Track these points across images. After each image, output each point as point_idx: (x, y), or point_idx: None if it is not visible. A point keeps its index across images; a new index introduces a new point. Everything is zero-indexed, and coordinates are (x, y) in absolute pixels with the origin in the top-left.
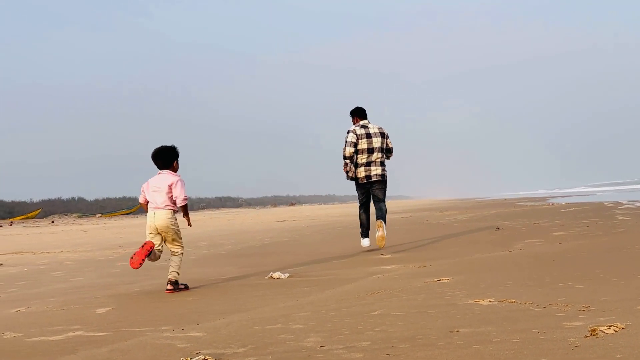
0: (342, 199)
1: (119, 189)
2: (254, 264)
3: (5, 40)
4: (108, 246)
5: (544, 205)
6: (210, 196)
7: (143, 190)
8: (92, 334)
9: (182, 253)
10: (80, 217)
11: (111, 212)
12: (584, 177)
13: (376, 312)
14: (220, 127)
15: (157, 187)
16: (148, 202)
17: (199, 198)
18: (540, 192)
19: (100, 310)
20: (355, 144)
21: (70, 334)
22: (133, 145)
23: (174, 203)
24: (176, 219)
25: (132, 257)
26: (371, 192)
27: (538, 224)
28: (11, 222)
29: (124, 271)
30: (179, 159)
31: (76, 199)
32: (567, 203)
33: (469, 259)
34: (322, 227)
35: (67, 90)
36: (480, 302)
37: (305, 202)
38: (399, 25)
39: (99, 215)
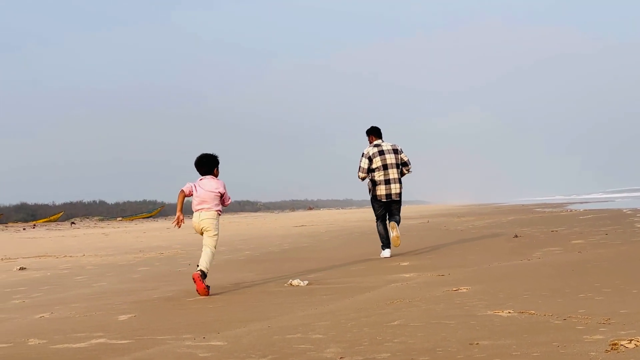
0: (360, 204)
1: (139, 192)
2: (273, 270)
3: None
4: (129, 250)
5: (562, 211)
6: None
7: (194, 186)
8: (114, 341)
9: (214, 247)
10: (101, 220)
11: (131, 215)
12: (601, 183)
13: (395, 323)
14: (239, 130)
15: (210, 190)
16: (192, 195)
17: None
18: (557, 198)
19: (123, 317)
20: (370, 164)
21: (94, 341)
22: (154, 148)
23: (219, 205)
24: (218, 219)
25: (197, 288)
26: (390, 208)
27: (556, 231)
28: (34, 225)
29: (145, 276)
30: (219, 165)
31: (97, 202)
32: (585, 210)
33: (488, 267)
34: (340, 233)
35: (88, 92)
36: (499, 313)
37: (323, 207)
38: (421, 30)
39: (120, 218)
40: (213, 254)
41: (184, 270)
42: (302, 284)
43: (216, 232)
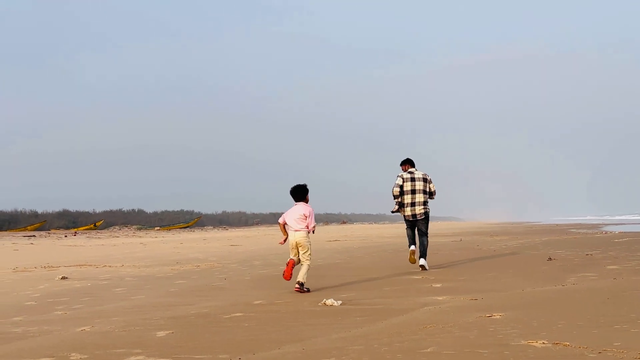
0: (392, 219)
1: (177, 202)
2: (307, 287)
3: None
4: (166, 262)
5: (596, 233)
6: (264, 212)
7: (284, 216)
8: (153, 359)
9: (309, 264)
10: (139, 229)
11: (169, 225)
12: (634, 204)
13: (428, 350)
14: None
15: (298, 215)
16: (285, 224)
17: (253, 214)
18: (589, 219)
19: (161, 334)
20: (402, 186)
21: (133, 358)
22: (197, 155)
23: (306, 222)
24: (309, 237)
25: (284, 272)
26: (416, 225)
27: (591, 255)
28: (75, 232)
29: (182, 290)
30: (309, 194)
31: (136, 210)
32: (620, 232)
33: (521, 292)
34: (373, 249)
35: (131, 99)
36: (533, 344)
37: (356, 221)
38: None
39: (158, 228)
40: (309, 268)
41: (220, 285)
42: (335, 303)
43: (307, 249)
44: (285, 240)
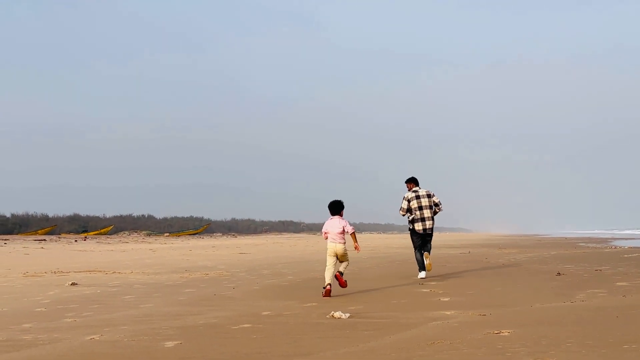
0: (401, 229)
1: (186, 208)
2: (316, 298)
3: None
4: (175, 269)
5: (606, 248)
6: (273, 219)
7: (325, 229)
8: None
9: (347, 262)
10: (148, 235)
11: (178, 231)
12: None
13: None
14: (286, 152)
15: (337, 229)
16: (327, 234)
17: (262, 221)
18: (597, 232)
19: (169, 344)
20: (408, 205)
21: None
22: (205, 163)
23: (344, 237)
24: (345, 246)
25: (323, 293)
26: (425, 237)
27: (600, 270)
28: (85, 237)
29: (190, 299)
30: (344, 209)
31: (146, 216)
32: (630, 247)
33: (530, 308)
34: (381, 260)
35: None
36: None
37: (364, 230)
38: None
39: (167, 234)
40: (347, 264)
41: (228, 295)
42: (343, 316)
43: (346, 256)
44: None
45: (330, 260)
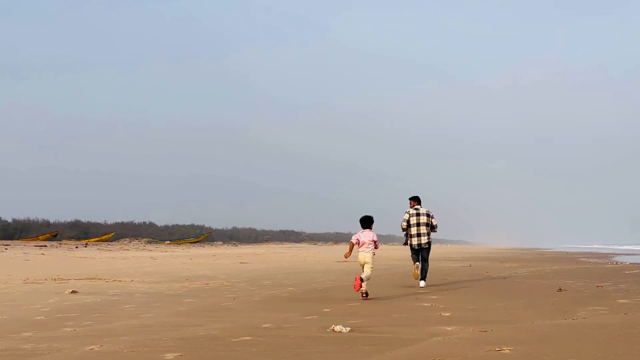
0: (402, 240)
1: (187, 216)
2: (316, 311)
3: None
4: (176, 278)
5: (607, 263)
6: (274, 229)
7: (357, 239)
8: None
9: (372, 267)
10: (149, 242)
11: (179, 239)
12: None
13: None
14: (288, 158)
15: (368, 240)
16: (355, 244)
17: (263, 230)
18: (596, 247)
19: (169, 356)
20: (408, 221)
21: None
22: (208, 169)
23: (373, 247)
24: (373, 256)
25: (354, 285)
26: (420, 253)
27: (602, 287)
28: (86, 244)
29: (191, 310)
30: (374, 223)
31: (147, 223)
32: (631, 263)
33: (531, 325)
34: (382, 272)
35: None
36: None
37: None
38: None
39: (168, 242)
40: (371, 271)
41: (229, 306)
42: (344, 330)
43: (372, 264)
44: (349, 254)
45: (364, 268)
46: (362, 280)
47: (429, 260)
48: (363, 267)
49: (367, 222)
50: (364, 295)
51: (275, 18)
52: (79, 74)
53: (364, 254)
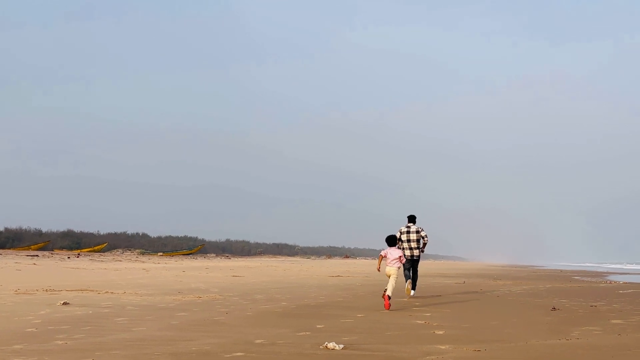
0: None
1: (181, 227)
2: (309, 327)
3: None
4: (168, 291)
5: (601, 282)
6: (267, 242)
7: (385, 254)
8: None
9: (396, 278)
10: (142, 253)
11: (172, 251)
12: (635, 252)
13: None
14: (286, 168)
15: (396, 256)
16: (384, 257)
17: (257, 243)
18: (589, 265)
19: None
20: (400, 237)
21: None
22: (205, 179)
23: (399, 262)
24: (398, 270)
25: (384, 305)
26: (412, 263)
27: (595, 306)
28: (78, 254)
29: (183, 323)
30: (398, 241)
31: (140, 234)
32: (625, 282)
33: (525, 345)
34: (376, 287)
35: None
36: None
37: (359, 255)
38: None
39: (161, 253)
40: (396, 281)
41: (221, 320)
42: (337, 347)
43: (397, 276)
44: (380, 268)
45: (390, 279)
46: (389, 297)
47: (417, 271)
48: (389, 277)
49: (392, 241)
50: (389, 297)
51: (289, 34)
52: (69, 83)
53: (391, 268)
